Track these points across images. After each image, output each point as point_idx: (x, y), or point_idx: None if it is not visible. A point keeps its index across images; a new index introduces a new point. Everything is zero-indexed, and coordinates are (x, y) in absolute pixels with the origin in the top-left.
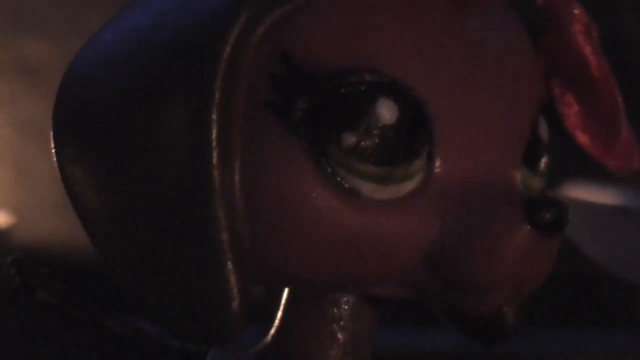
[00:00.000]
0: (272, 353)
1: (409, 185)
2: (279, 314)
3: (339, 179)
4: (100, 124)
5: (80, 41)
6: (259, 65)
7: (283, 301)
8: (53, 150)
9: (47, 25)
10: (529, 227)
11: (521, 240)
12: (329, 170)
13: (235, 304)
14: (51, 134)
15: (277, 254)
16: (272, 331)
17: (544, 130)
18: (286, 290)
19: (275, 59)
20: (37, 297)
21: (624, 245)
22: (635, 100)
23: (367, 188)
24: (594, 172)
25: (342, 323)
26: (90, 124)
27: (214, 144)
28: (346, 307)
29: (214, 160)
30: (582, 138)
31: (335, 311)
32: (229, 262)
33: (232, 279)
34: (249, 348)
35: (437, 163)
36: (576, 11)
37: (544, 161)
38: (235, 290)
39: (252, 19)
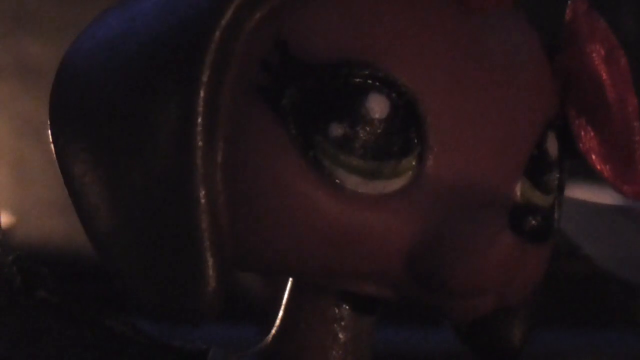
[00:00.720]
0: (273, 353)
1: (397, 183)
2: (280, 314)
3: (323, 169)
4: (92, 109)
5: None
6: (252, 51)
7: (284, 301)
8: (50, 138)
9: (47, 25)
10: (511, 233)
11: (503, 246)
12: (314, 159)
13: (210, 286)
14: (48, 123)
15: (256, 239)
16: (273, 331)
17: (552, 146)
18: (287, 291)
19: (270, 45)
20: (37, 297)
21: (624, 245)
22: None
23: (351, 181)
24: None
25: (342, 323)
26: (81, 108)
27: (199, 126)
28: (347, 307)
29: (198, 141)
30: (597, 162)
31: (336, 311)
32: (206, 244)
33: (209, 261)
34: (250, 348)
35: (428, 163)
36: (600, 32)
37: (551, 178)
38: (211, 273)
39: (248, 4)
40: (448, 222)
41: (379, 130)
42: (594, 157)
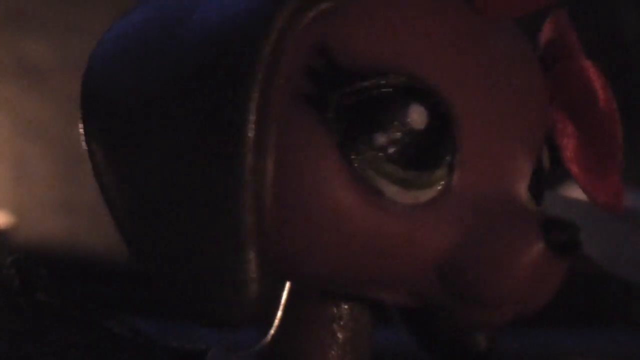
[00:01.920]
0: (272, 352)
1: (430, 193)
2: (279, 313)
3: (366, 178)
4: (132, 105)
5: (81, 41)
6: (298, 57)
7: (283, 301)
8: (82, 132)
9: (47, 25)
10: (544, 245)
11: (535, 257)
12: (358, 168)
13: (253, 293)
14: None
15: (298, 246)
16: (272, 331)
17: (546, 159)
18: (286, 290)
19: (314, 52)
20: (36, 298)
21: (624, 245)
22: (636, 100)
23: (391, 190)
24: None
25: (341, 322)
26: (121, 103)
27: (250, 132)
28: (346, 306)
29: (249, 147)
30: (576, 171)
31: (335, 311)
32: (251, 249)
33: (252, 264)
34: (249, 348)
35: (458, 173)
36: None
37: (543, 189)
38: (254, 276)
39: (298, 10)
40: (479, 231)
41: (418, 141)
42: (574, 166)
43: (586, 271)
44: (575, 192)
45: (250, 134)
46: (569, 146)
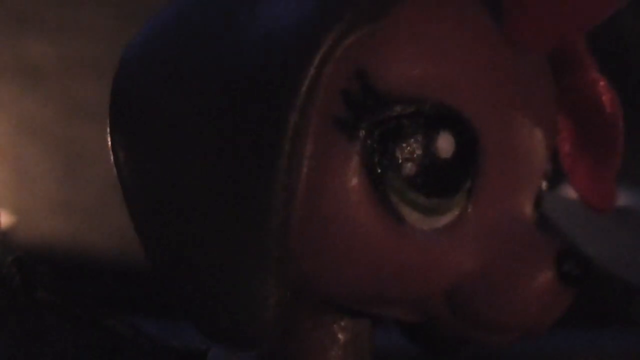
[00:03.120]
0: (274, 353)
1: (447, 218)
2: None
3: (390, 204)
4: (163, 116)
5: (81, 41)
6: (336, 80)
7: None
8: (109, 139)
9: (47, 25)
10: (555, 277)
11: (546, 287)
12: (383, 194)
13: (271, 313)
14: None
15: (319, 268)
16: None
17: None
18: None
19: (352, 76)
20: (37, 297)
21: (624, 245)
22: (636, 100)
23: (413, 217)
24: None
25: (342, 323)
26: (151, 115)
27: (285, 152)
28: (346, 307)
29: (282, 166)
30: (571, 170)
31: (336, 312)
32: (273, 269)
33: (272, 287)
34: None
35: (475, 199)
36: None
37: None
38: (273, 299)
39: (341, 36)
40: (492, 257)
41: (443, 169)
42: (571, 167)
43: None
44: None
45: (284, 158)
46: (565, 145)
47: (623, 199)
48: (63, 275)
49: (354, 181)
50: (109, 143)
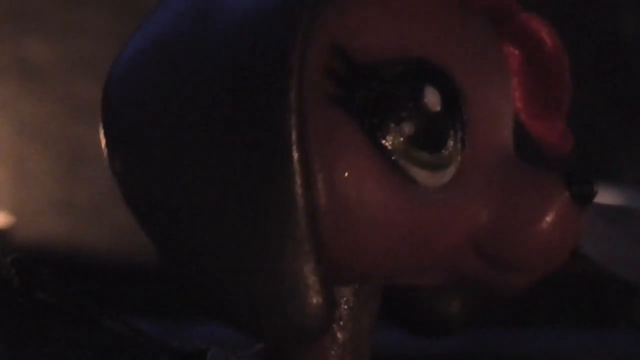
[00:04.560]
0: (272, 353)
1: (451, 170)
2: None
3: (400, 169)
4: (166, 125)
5: (80, 41)
6: (319, 61)
7: None
8: (104, 150)
9: (47, 25)
10: (568, 196)
11: (562, 208)
12: (392, 161)
13: (315, 299)
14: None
15: (350, 246)
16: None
17: None
18: None
19: (332, 54)
20: (36, 298)
21: (624, 245)
22: (635, 99)
23: (422, 176)
24: (594, 173)
25: (341, 323)
26: (153, 123)
27: (295, 138)
28: (345, 307)
29: (295, 163)
30: (524, 117)
31: (335, 311)
32: (310, 259)
33: (312, 272)
34: (249, 348)
35: (469, 147)
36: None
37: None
38: (315, 285)
39: (311, 20)
40: (505, 195)
41: (436, 122)
42: (524, 115)
43: (586, 271)
44: None
45: (295, 153)
46: (516, 95)
47: (623, 199)
48: (63, 274)
49: (361, 152)
50: (104, 149)
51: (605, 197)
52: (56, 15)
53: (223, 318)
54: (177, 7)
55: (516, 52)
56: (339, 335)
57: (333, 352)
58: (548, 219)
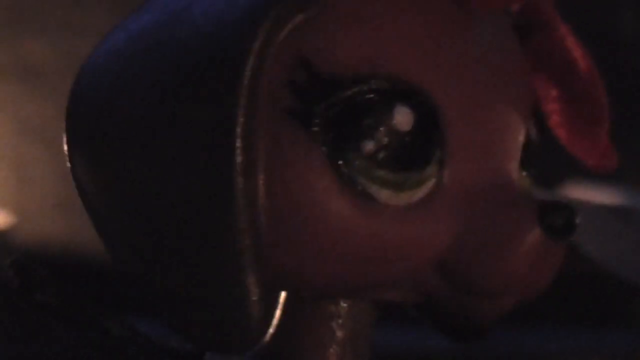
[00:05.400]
0: (271, 352)
1: (422, 191)
2: (277, 312)
3: (357, 186)
4: (118, 128)
5: (80, 41)
6: (279, 72)
7: (281, 300)
8: (67, 155)
9: (47, 25)
10: (540, 230)
11: (532, 242)
12: (348, 177)
13: (255, 312)
14: (64, 138)
15: (296, 260)
16: (271, 329)
17: (534, 132)
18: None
19: (295, 65)
20: (36, 299)
21: (624, 245)
22: (635, 100)
23: (384, 195)
24: (594, 172)
25: (340, 321)
26: (107, 127)
27: (238, 150)
28: (345, 305)
29: (238, 166)
30: (564, 135)
31: (334, 309)
32: (250, 269)
33: (253, 286)
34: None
35: (449, 168)
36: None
37: (532, 159)
38: (255, 298)
39: (275, 26)
40: (476, 221)
41: (405, 141)
42: (563, 132)
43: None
44: (575, 192)
45: (239, 158)
46: (554, 112)
47: (623, 199)
48: (63, 275)
49: (317, 169)
50: (66, 155)
51: (605, 197)
52: (56, 15)
53: (175, 329)
54: (151, 13)
55: (547, 71)
56: (338, 333)
57: (332, 350)
58: (515, 253)
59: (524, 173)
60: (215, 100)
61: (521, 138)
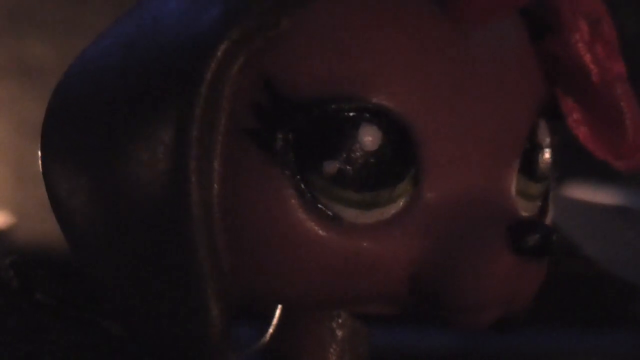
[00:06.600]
0: (271, 351)
1: (393, 208)
2: (277, 312)
3: (320, 206)
4: (83, 138)
5: (80, 41)
6: (242, 92)
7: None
8: (40, 162)
9: (47, 25)
10: (511, 254)
11: (504, 266)
12: (311, 198)
13: (215, 330)
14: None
15: (260, 279)
16: (271, 330)
17: (543, 133)
18: None
19: (258, 86)
20: (35, 299)
21: (624, 245)
22: (635, 99)
23: (349, 214)
24: (594, 172)
25: (340, 320)
26: (73, 136)
27: (193, 170)
28: None
29: (193, 185)
30: (587, 140)
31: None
32: (208, 288)
33: (212, 305)
34: (248, 347)
35: (423, 186)
36: (584, 4)
37: (544, 165)
38: (215, 316)
39: (236, 45)
40: (449, 242)
41: (372, 161)
42: (581, 133)
43: (586, 271)
44: (575, 192)
45: (194, 177)
46: (573, 115)
47: (623, 199)
48: (62, 275)
49: (279, 191)
50: (40, 160)
51: (605, 197)
52: (56, 15)
53: (140, 344)
54: (123, 25)
55: (563, 76)
56: (338, 332)
57: (332, 350)
58: (487, 274)
59: (524, 178)
60: (171, 117)
61: (518, 147)
